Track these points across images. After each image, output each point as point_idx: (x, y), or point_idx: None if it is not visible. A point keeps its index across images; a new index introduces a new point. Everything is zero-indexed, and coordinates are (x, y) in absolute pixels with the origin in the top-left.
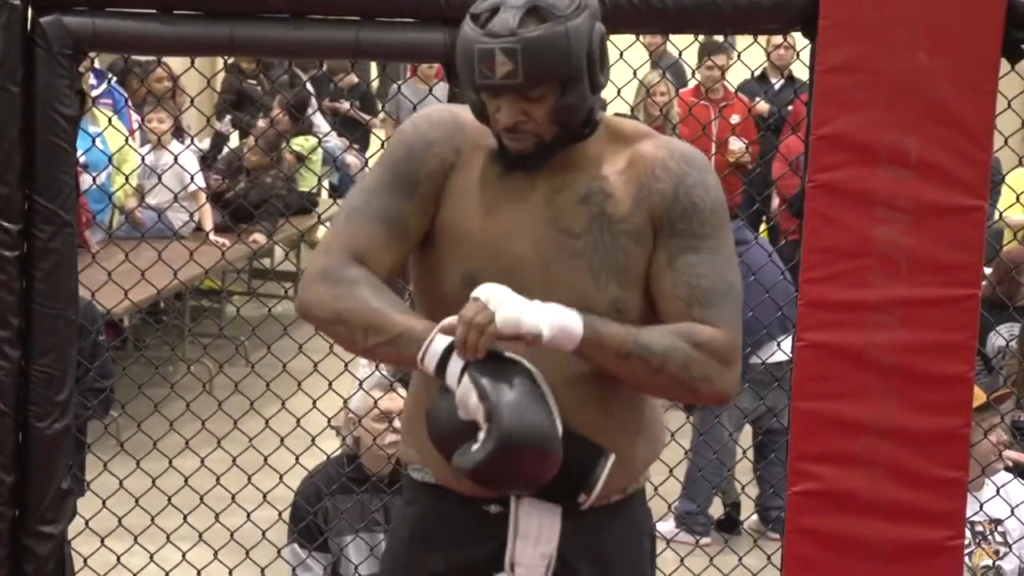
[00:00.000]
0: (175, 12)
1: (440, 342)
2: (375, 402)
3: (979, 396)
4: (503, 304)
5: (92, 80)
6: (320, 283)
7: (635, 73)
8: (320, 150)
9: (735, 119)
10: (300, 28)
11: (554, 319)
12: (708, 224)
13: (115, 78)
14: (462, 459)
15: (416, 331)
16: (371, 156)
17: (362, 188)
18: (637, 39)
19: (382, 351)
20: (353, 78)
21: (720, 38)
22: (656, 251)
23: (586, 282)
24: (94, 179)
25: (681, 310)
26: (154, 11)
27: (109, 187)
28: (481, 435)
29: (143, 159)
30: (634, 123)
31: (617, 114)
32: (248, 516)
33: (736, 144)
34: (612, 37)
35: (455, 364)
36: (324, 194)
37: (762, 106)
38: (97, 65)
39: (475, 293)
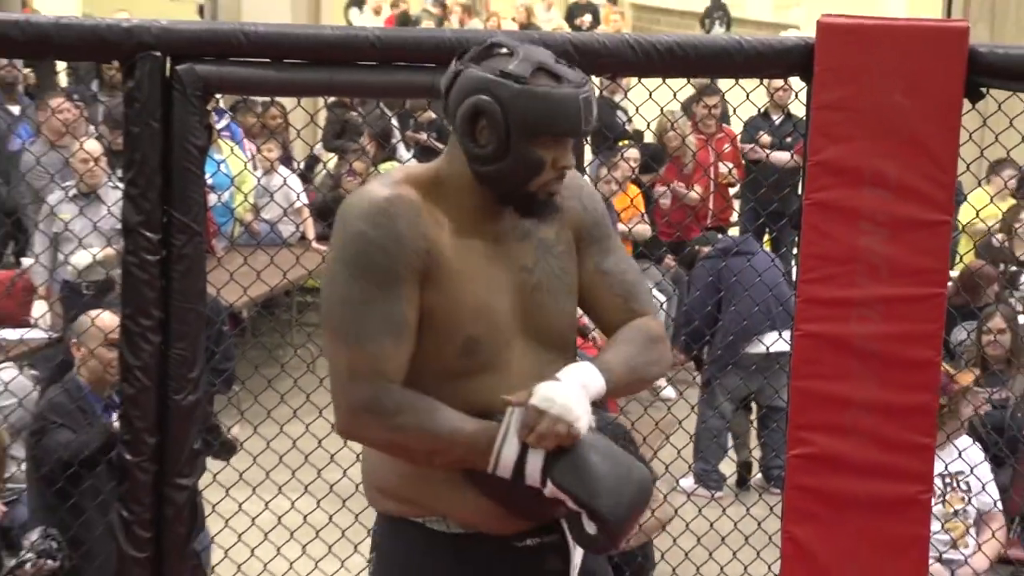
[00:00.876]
0: (285, 61)
1: (510, 450)
2: None
3: (966, 379)
4: (575, 416)
5: (215, 117)
6: (365, 415)
7: (662, 110)
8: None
9: (726, 148)
10: (386, 73)
11: (592, 392)
12: (608, 225)
13: (232, 114)
14: (582, 540)
15: (479, 445)
16: None
17: (351, 302)
18: (663, 82)
19: (448, 464)
20: (431, 114)
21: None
22: (582, 260)
23: (552, 308)
24: (219, 197)
25: (620, 305)
26: (268, 60)
27: (231, 203)
28: (586, 523)
29: (258, 181)
30: None
31: (646, 143)
32: (344, 472)
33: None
34: (643, 80)
35: (533, 466)
36: None
37: (765, 138)
38: (221, 104)
39: (534, 403)
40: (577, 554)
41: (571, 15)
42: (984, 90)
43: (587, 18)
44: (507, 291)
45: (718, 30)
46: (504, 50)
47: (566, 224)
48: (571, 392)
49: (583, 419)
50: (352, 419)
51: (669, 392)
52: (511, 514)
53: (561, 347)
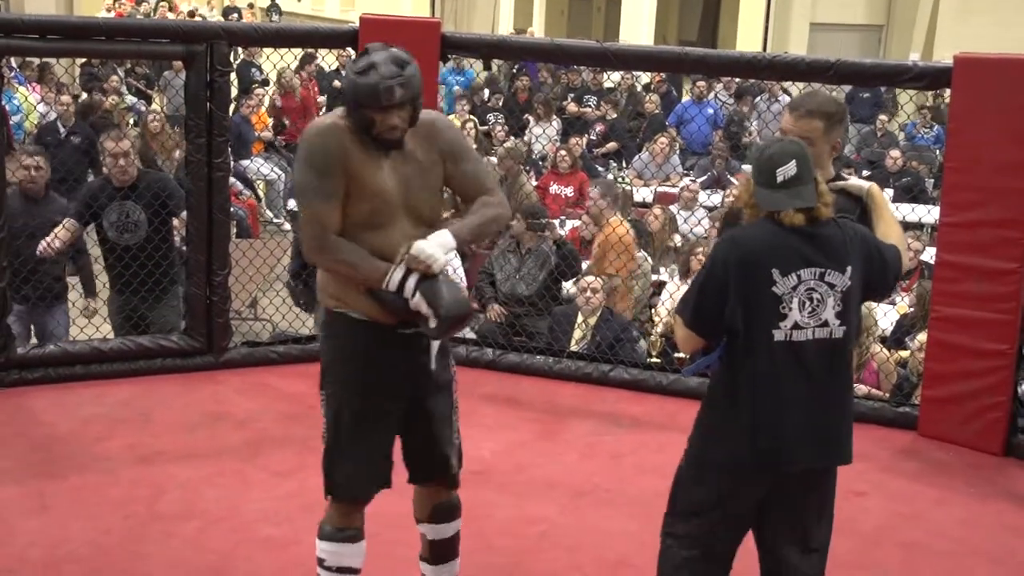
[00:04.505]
0: (48, 36)
1: (397, 276)
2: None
3: None
4: (434, 254)
5: (8, 70)
6: (317, 251)
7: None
8: (126, 102)
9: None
10: (111, 44)
11: (446, 245)
12: (461, 142)
13: (17, 67)
14: (430, 331)
15: (380, 272)
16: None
17: (306, 182)
18: (275, 50)
19: (364, 284)
20: (145, 68)
21: None
22: (448, 166)
23: (422, 195)
24: (14, 118)
25: (472, 188)
26: (37, 36)
27: (23, 122)
28: (432, 321)
29: (36, 108)
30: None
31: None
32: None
33: None
34: (264, 49)
35: (409, 284)
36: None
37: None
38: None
39: (413, 251)
40: (435, 343)
41: (225, 13)
42: (449, 56)
43: (235, 16)
44: (391, 183)
45: (275, 19)
46: (363, 56)
47: (429, 147)
48: (431, 244)
49: (439, 260)
50: (311, 250)
51: None
52: (388, 313)
53: (429, 222)
